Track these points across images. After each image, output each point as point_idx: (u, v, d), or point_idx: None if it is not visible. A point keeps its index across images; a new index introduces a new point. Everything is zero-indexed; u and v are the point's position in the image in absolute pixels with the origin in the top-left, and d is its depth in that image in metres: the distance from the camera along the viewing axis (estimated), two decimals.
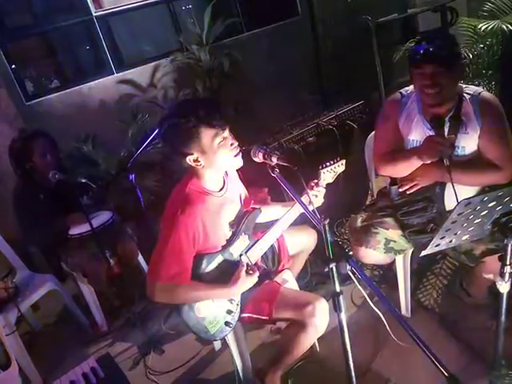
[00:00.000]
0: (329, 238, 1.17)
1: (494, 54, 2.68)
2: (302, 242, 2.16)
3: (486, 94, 1.80)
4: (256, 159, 1.59)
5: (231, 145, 1.63)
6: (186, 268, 1.63)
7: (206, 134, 1.57)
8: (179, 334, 2.52)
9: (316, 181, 1.88)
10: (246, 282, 1.70)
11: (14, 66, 3.26)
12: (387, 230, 1.97)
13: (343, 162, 1.92)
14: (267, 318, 1.76)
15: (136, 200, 2.69)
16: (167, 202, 1.73)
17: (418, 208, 1.90)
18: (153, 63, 3.72)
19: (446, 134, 1.76)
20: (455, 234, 1.46)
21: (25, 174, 2.59)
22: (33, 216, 2.50)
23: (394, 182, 1.98)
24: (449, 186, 1.81)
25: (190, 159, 1.62)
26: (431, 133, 1.81)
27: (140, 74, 3.68)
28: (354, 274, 1.22)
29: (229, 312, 1.76)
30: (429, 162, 1.73)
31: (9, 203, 2.74)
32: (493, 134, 1.74)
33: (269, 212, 2.01)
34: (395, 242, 1.96)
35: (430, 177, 1.84)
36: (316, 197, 1.86)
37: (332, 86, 4.29)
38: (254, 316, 1.78)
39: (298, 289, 2.08)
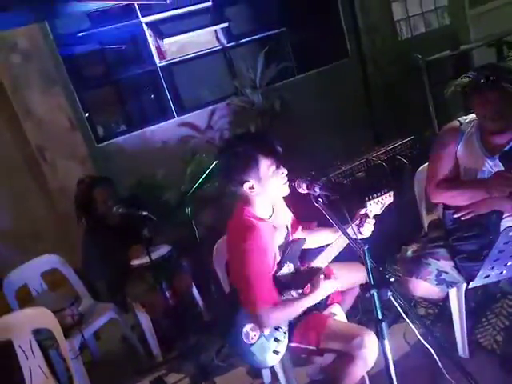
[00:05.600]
0: (369, 264, 1.20)
1: None
2: (352, 278, 2.15)
3: None
4: (300, 190, 1.67)
5: (282, 173, 1.76)
6: (273, 288, 1.74)
7: (264, 163, 1.72)
8: (230, 366, 2.54)
9: (363, 211, 1.90)
10: (326, 285, 1.76)
11: (87, 112, 3.64)
12: (438, 260, 1.94)
13: (391, 193, 1.92)
14: (315, 347, 1.76)
15: (191, 234, 2.83)
16: (228, 239, 1.87)
17: (471, 235, 1.87)
18: (210, 107, 3.98)
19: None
20: (505, 264, 1.42)
21: (90, 219, 2.78)
22: (100, 256, 2.67)
23: (447, 207, 1.96)
24: (506, 215, 1.80)
25: (246, 186, 1.74)
26: (490, 162, 1.82)
27: (198, 117, 3.95)
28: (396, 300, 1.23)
29: (276, 340, 1.78)
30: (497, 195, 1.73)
31: (77, 236, 2.98)
32: None
33: (319, 237, 2.06)
34: (447, 273, 1.92)
35: (490, 206, 1.81)
36: (362, 227, 1.87)
37: (384, 125, 4.31)
38: (302, 346, 1.79)
39: None
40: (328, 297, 2.00)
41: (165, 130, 3.85)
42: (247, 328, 1.74)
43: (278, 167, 1.75)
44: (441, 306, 2.46)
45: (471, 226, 1.86)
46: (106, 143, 3.68)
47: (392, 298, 1.24)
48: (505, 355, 2.06)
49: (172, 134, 3.85)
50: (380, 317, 1.23)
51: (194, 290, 2.93)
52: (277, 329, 1.79)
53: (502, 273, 1.44)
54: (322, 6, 4.45)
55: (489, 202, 1.78)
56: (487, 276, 1.44)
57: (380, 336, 1.24)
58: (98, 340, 3.08)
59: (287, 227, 1.95)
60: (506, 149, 1.78)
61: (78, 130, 3.47)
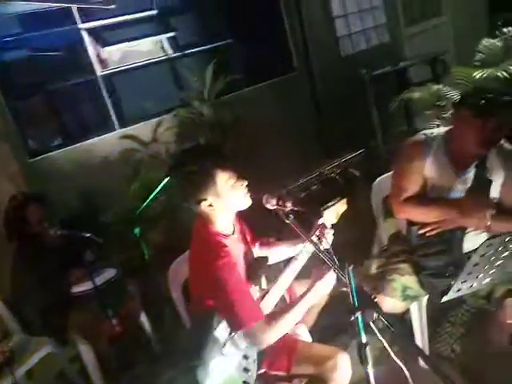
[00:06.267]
0: (353, 285, 1.11)
1: None
2: None
3: (507, 144, 1.81)
4: (268, 206, 1.57)
5: (242, 185, 1.65)
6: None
7: (221, 177, 1.58)
8: None
9: (320, 222, 1.83)
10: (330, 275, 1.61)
11: (18, 124, 3.32)
12: (403, 276, 1.90)
13: (344, 200, 1.88)
14: (286, 373, 1.64)
15: (139, 255, 2.63)
16: (193, 262, 1.72)
17: (436, 250, 1.84)
18: (156, 119, 3.79)
19: (471, 180, 1.75)
20: (477, 277, 1.42)
21: (22, 241, 2.50)
22: (34, 283, 2.40)
23: (412, 223, 1.91)
24: (468, 230, 1.79)
25: (204, 205, 1.60)
26: (458, 178, 1.79)
27: (142, 129, 3.74)
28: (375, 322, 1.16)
29: (245, 370, 1.64)
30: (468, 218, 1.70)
31: (4, 263, 2.66)
32: None
33: (278, 252, 1.97)
34: (412, 288, 1.90)
35: (456, 222, 1.78)
36: (322, 238, 1.79)
37: (332, 138, 4.37)
38: (272, 372, 1.67)
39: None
40: None
41: (106, 143, 3.60)
42: (213, 362, 1.58)
43: (237, 179, 1.64)
44: (397, 318, 2.46)
45: (437, 242, 1.84)
46: (39, 158, 3.36)
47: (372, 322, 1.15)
48: (464, 364, 2.08)
49: (114, 148, 3.60)
50: (364, 341, 1.14)
51: (143, 316, 2.70)
52: (246, 357, 1.65)
53: (472, 286, 1.43)
54: (268, 20, 4.46)
55: (455, 219, 1.76)
56: (459, 290, 1.42)
57: (364, 361, 1.15)
58: (29, 379, 2.73)
59: (247, 241, 1.83)
60: (475, 166, 1.76)
61: (6, 143, 3.14)
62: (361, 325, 1.14)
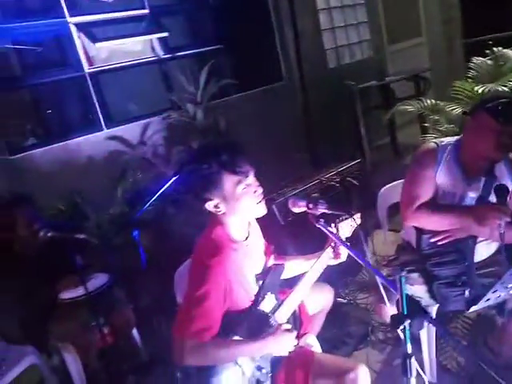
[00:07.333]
0: (404, 292, 1.07)
1: None
2: (321, 301, 2.03)
3: None
4: (295, 209, 1.51)
5: (255, 192, 1.57)
6: (215, 322, 1.46)
7: (229, 181, 1.51)
8: None
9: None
10: (286, 337, 1.56)
11: None
12: (413, 286, 1.88)
13: (359, 215, 1.87)
14: None
15: (132, 261, 2.49)
16: (194, 252, 1.62)
17: (449, 260, 1.83)
18: (144, 120, 3.67)
19: (481, 188, 1.76)
20: (506, 287, 1.41)
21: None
22: (16, 287, 2.23)
23: (423, 231, 1.90)
24: (479, 240, 1.80)
25: (209, 205, 1.54)
26: (469, 186, 1.81)
27: (130, 131, 3.61)
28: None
29: (258, 383, 1.57)
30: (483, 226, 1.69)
31: None
32: None
33: (292, 267, 1.89)
34: (421, 298, 1.88)
35: (468, 231, 1.78)
36: (338, 251, 1.76)
37: (319, 146, 4.38)
38: None
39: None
40: (301, 326, 1.86)
41: (92, 143, 3.44)
42: (225, 372, 1.49)
43: (248, 185, 1.56)
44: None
45: (449, 251, 1.83)
46: (21, 155, 3.14)
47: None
48: (470, 376, 2.07)
49: (100, 149, 3.45)
50: (409, 351, 1.10)
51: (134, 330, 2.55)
52: (259, 369, 1.57)
53: (499, 296, 1.42)
54: (258, 29, 4.46)
55: (467, 227, 1.76)
56: (488, 299, 1.41)
57: (408, 373, 1.10)
58: None
59: (265, 253, 1.76)
60: (484, 174, 1.78)
61: None
62: (408, 334, 1.09)
